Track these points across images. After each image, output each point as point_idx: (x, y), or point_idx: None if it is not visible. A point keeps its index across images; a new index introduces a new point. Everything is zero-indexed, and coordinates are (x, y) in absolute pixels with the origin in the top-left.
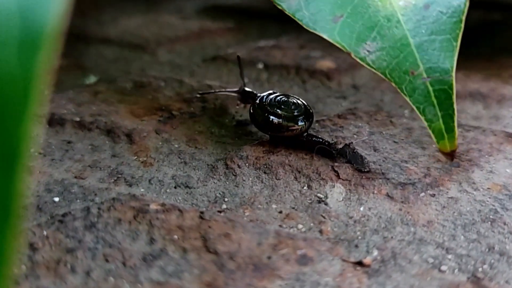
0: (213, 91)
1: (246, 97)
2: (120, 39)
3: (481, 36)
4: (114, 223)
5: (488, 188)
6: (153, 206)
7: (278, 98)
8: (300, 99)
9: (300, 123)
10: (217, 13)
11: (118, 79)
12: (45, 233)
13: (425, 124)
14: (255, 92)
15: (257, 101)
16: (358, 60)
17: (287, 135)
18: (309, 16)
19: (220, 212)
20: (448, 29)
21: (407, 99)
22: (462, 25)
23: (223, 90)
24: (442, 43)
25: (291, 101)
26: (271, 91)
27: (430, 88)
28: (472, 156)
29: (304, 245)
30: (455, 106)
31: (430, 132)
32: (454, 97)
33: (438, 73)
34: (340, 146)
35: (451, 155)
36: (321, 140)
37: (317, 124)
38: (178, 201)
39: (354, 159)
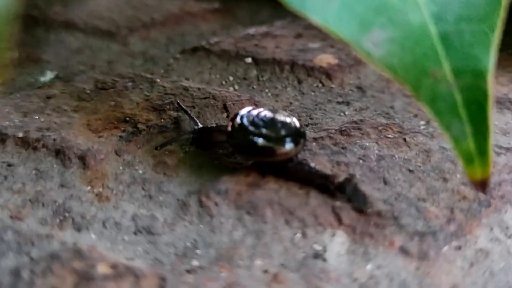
0: (172, 139)
1: (204, 137)
2: (86, 23)
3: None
4: None
5: None
6: (101, 269)
7: (262, 115)
8: (289, 115)
9: (288, 146)
10: None
11: (78, 77)
12: None
13: (450, 143)
14: (215, 126)
15: (236, 120)
16: (360, 55)
17: (273, 161)
18: None
19: (188, 272)
20: (482, 15)
21: (426, 109)
22: (502, 10)
23: (183, 135)
24: (475, 35)
25: (277, 118)
26: (250, 107)
27: (458, 97)
28: (505, 190)
29: None
30: (490, 121)
31: (457, 153)
32: (490, 109)
33: (469, 76)
34: (340, 180)
35: (482, 184)
36: (314, 170)
37: (314, 144)
38: (137, 254)
39: (355, 197)
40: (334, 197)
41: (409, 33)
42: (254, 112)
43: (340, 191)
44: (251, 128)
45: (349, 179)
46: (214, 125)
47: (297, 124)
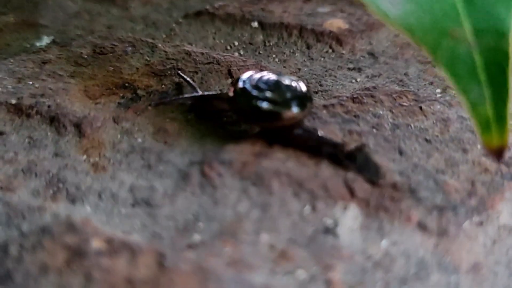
0: (168, 99)
1: (204, 105)
2: None
3: None
4: (38, 272)
5: None
6: (95, 244)
7: (265, 78)
8: (294, 78)
9: (294, 109)
10: None
11: (75, 41)
12: None
13: (466, 108)
14: (216, 93)
15: (239, 84)
16: (377, 15)
17: (279, 126)
18: None
19: (190, 247)
20: None
21: (443, 71)
22: None
23: (182, 97)
24: None
25: (282, 81)
26: (252, 72)
27: (478, 59)
28: None
29: None
30: (510, 85)
31: (473, 119)
32: (510, 72)
33: (490, 37)
34: (350, 148)
35: (499, 152)
36: (322, 138)
37: (324, 112)
38: (135, 227)
39: (366, 167)
40: (343, 166)
41: None
42: (257, 76)
43: (350, 161)
44: (254, 92)
45: (360, 148)
46: (215, 92)
47: (303, 87)
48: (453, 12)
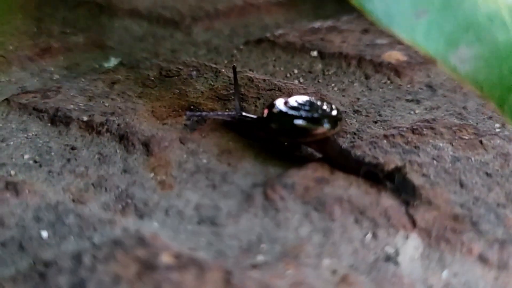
0: (204, 113)
1: (242, 125)
2: (150, 12)
3: None
4: (111, 282)
5: None
6: (164, 258)
7: (298, 99)
8: (326, 100)
9: (325, 126)
10: None
11: (142, 63)
12: None
13: None
14: (252, 116)
15: (275, 107)
16: (447, 70)
17: (310, 141)
18: (383, 9)
19: (254, 267)
20: None
21: (509, 123)
22: None
23: (217, 113)
24: None
25: (313, 102)
26: (282, 98)
27: None
28: None
29: None
30: None
31: None
32: None
33: None
34: (389, 168)
35: None
36: (364, 157)
37: (385, 141)
38: (200, 245)
39: (403, 187)
40: (382, 185)
41: (495, 50)
42: (289, 99)
43: (389, 180)
44: (290, 112)
45: (399, 168)
46: (251, 115)
47: (333, 108)
48: None
